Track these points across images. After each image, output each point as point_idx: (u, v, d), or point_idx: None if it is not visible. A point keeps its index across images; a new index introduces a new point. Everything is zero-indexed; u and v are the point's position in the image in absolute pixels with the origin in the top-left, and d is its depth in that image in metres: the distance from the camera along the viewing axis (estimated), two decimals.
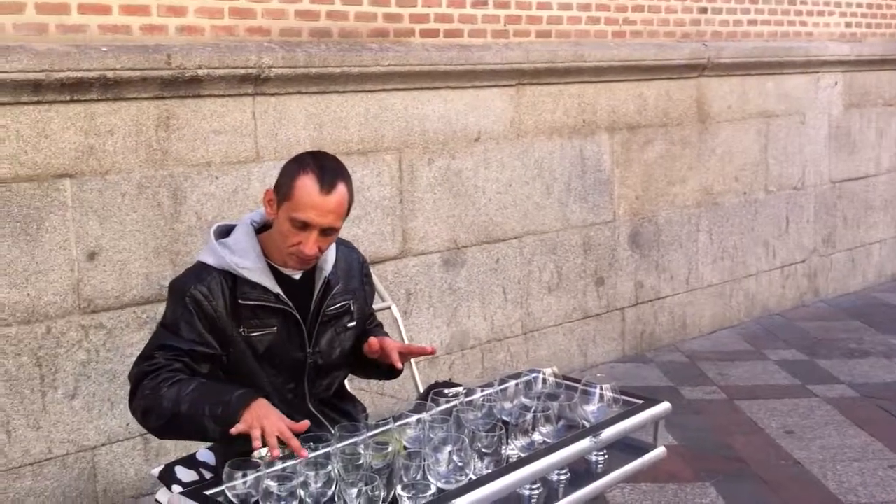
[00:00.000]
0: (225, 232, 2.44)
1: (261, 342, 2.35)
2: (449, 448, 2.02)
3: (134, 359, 2.37)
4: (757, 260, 6.22)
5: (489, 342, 4.78)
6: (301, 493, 1.89)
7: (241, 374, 2.33)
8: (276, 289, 2.35)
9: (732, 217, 6.01)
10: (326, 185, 2.27)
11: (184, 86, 3.60)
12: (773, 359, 5.40)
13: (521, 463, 2.09)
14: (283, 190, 2.30)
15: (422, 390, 2.90)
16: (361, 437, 2.11)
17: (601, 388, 2.38)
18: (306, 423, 2.15)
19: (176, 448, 3.63)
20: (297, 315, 2.38)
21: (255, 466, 1.94)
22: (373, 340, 2.43)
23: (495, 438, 2.08)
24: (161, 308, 2.49)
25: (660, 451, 2.47)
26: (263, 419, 2.09)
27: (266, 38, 3.91)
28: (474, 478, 2.00)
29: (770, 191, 6.24)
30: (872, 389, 4.85)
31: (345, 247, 2.58)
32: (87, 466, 3.53)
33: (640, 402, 2.49)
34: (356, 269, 2.58)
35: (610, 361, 5.35)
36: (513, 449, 2.18)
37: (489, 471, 2.04)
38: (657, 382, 5.01)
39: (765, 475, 3.83)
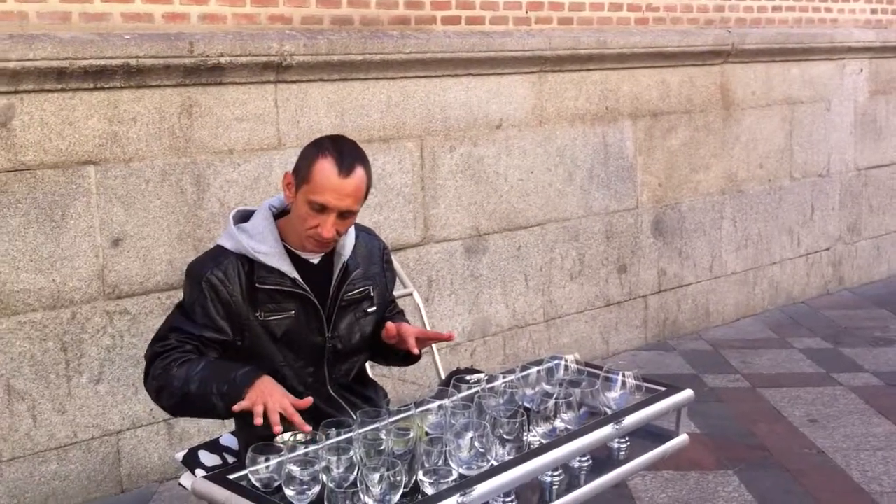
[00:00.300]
0: (244, 217, 2.45)
1: (278, 326, 2.36)
2: (470, 434, 2.02)
3: None
4: (781, 248, 6.17)
5: (511, 329, 4.77)
6: (323, 477, 1.90)
7: (259, 357, 2.34)
8: (293, 273, 2.36)
9: (756, 204, 5.96)
10: (345, 169, 2.27)
11: (206, 73, 3.61)
12: (797, 347, 5.36)
13: (543, 449, 2.09)
14: (301, 173, 2.31)
15: (444, 377, 2.91)
16: (383, 423, 2.12)
17: (623, 375, 2.37)
18: (309, 399, 2.16)
19: (199, 433, 3.67)
20: (315, 299, 2.39)
21: (278, 451, 1.95)
22: (390, 325, 2.43)
23: (517, 425, 2.08)
24: None
25: (682, 438, 2.46)
26: (267, 396, 2.11)
27: (288, 25, 3.91)
28: (496, 464, 2.00)
29: (795, 178, 6.19)
30: None
31: (366, 233, 2.59)
32: (112, 451, 3.57)
33: (663, 389, 2.48)
34: (377, 256, 2.58)
35: (632, 349, 5.33)
36: (534, 435, 2.18)
37: (510, 457, 2.04)
38: (680, 370, 4.99)
39: (788, 464, 3.81)
